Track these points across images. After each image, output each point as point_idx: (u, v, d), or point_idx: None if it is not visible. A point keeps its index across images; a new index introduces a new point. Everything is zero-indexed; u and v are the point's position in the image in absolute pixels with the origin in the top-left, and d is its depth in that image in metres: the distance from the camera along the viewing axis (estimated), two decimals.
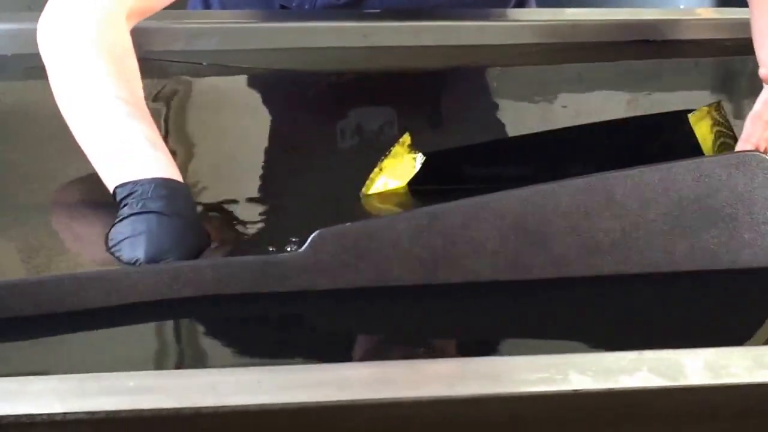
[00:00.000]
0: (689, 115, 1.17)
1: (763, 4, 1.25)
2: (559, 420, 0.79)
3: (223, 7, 1.67)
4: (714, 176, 0.95)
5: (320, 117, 1.39)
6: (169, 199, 1.02)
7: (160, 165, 1.05)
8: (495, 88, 1.50)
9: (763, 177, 0.96)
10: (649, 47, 1.53)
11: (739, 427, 0.80)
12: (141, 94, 1.14)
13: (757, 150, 1.11)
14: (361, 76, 1.49)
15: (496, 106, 1.44)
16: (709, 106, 1.17)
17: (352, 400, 0.78)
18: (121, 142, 1.07)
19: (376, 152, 1.15)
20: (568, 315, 0.96)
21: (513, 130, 1.33)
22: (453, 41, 1.54)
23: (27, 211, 1.11)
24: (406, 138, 1.13)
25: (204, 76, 1.47)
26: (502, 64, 1.52)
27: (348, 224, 0.95)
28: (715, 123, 1.18)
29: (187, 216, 1.03)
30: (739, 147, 1.15)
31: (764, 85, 1.19)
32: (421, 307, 0.95)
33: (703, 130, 1.18)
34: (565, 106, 1.43)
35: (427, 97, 1.45)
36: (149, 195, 1.01)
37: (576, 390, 0.77)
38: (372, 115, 1.35)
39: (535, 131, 1.22)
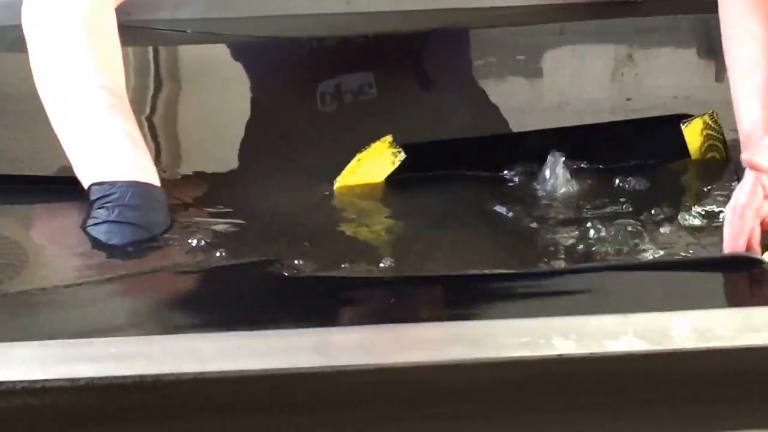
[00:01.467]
0: (683, 127, 1.17)
1: (746, 63, 1.13)
2: (543, 385, 0.78)
3: None
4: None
5: (302, 82, 1.37)
6: (144, 209, 1.03)
7: (139, 166, 1.05)
8: (475, 50, 1.48)
9: None
10: (631, 7, 1.49)
11: (727, 391, 0.79)
12: (123, 84, 1.11)
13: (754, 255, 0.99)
14: (343, 40, 1.47)
15: (476, 68, 1.43)
16: (703, 115, 1.17)
17: (333, 366, 0.77)
18: (100, 137, 1.06)
19: (357, 116, 1.14)
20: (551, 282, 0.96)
21: (494, 92, 1.33)
22: (432, 5, 1.52)
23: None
24: (388, 137, 1.13)
25: (189, 43, 1.46)
26: (482, 26, 1.50)
27: None
28: (706, 127, 1.17)
29: (161, 223, 1.03)
30: (730, 244, 0.98)
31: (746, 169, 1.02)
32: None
33: (693, 133, 1.18)
34: (544, 67, 1.42)
35: (407, 60, 1.44)
36: (126, 201, 1.02)
37: (560, 355, 0.77)
38: (354, 80, 1.34)
39: (522, 112, 1.22)
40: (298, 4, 1.49)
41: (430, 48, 1.47)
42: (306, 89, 1.33)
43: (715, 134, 1.18)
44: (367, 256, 0.99)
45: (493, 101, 1.32)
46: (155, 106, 1.31)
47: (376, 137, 1.13)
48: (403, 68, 1.40)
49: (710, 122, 1.17)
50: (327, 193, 1.10)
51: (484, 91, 1.36)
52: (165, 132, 1.19)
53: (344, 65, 1.37)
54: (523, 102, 1.34)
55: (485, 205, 1.08)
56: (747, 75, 1.12)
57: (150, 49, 1.43)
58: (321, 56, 1.43)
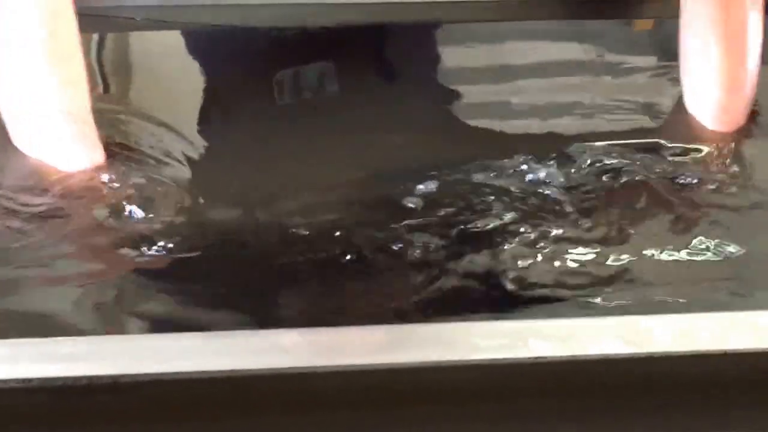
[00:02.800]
0: None
1: None
2: (519, 389, 0.76)
3: None
4: None
5: (258, 73, 1.34)
6: None
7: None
8: (439, 43, 1.45)
9: None
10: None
11: (709, 396, 0.77)
12: (87, 102, 1.10)
13: None
14: (301, 31, 1.44)
15: (439, 60, 1.40)
16: None
17: (299, 367, 0.75)
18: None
19: (315, 109, 1.12)
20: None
21: (458, 84, 1.30)
22: None
23: None
24: None
25: (141, 30, 1.42)
26: (447, 20, 1.47)
27: None
28: None
29: None
30: None
31: None
32: (375, 273, 0.91)
33: None
34: (510, 63, 1.39)
35: (369, 51, 1.41)
36: None
37: (537, 358, 0.74)
38: (313, 71, 1.31)
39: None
40: None
41: (394, 41, 1.44)
42: (263, 80, 1.30)
43: None
44: None
45: (459, 96, 1.30)
46: (103, 96, 1.27)
47: (336, 130, 1.10)
48: (366, 61, 1.37)
49: None
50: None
51: (449, 87, 1.33)
52: (113, 124, 1.15)
53: (304, 56, 1.33)
54: (490, 98, 1.32)
55: None
56: None
57: (98, 36, 1.39)
58: (280, 47, 1.40)
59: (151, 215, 0.99)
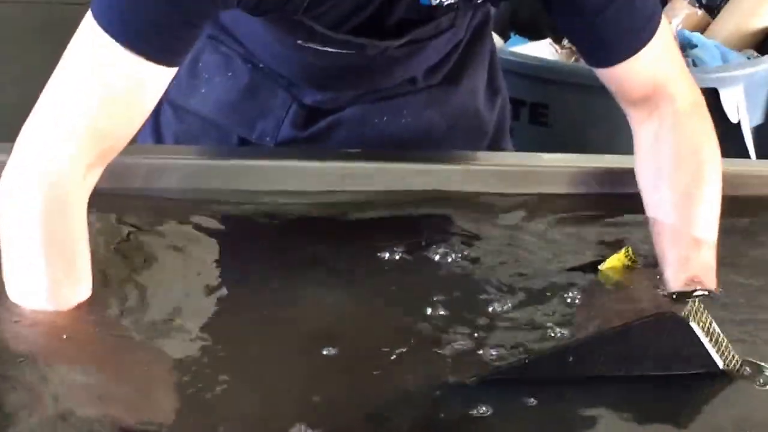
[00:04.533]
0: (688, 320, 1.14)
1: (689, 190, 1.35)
2: None
3: (177, 140, 1.63)
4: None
5: (281, 256, 1.34)
6: None
7: None
8: (462, 233, 1.44)
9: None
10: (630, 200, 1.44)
11: None
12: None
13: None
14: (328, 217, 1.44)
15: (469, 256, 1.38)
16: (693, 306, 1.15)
17: None
18: None
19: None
20: None
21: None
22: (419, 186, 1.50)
23: None
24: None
25: (169, 215, 1.41)
26: (474, 213, 1.47)
27: None
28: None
29: None
30: None
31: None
32: None
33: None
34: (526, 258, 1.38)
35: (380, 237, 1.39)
36: None
37: None
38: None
39: None
40: (279, 179, 1.47)
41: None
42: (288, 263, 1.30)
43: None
44: None
45: None
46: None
47: None
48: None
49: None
50: None
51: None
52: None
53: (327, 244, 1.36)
54: None
55: None
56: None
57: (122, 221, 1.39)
58: (301, 232, 1.40)
59: None
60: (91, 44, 1.19)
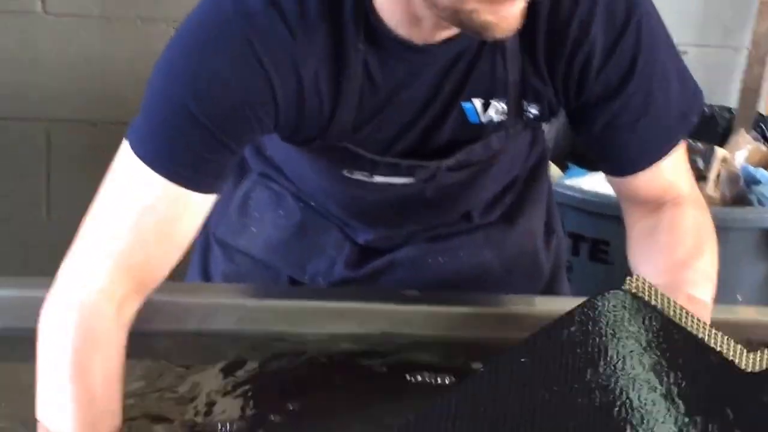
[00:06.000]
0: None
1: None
2: None
3: (226, 279, 1.60)
4: None
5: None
6: None
7: None
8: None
9: None
10: None
11: None
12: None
13: None
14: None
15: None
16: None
17: None
18: None
19: None
20: None
21: None
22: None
23: None
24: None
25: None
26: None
27: None
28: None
29: None
30: None
31: None
32: None
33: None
34: None
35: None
36: None
37: None
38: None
39: None
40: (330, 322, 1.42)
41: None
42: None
43: None
44: None
45: None
46: None
47: None
48: None
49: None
50: None
51: None
52: None
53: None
54: None
55: None
56: None
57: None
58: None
59: None
60: (127, 172, 1.19)
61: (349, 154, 1.32)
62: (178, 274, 1.28)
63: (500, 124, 1.33)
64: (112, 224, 1.18)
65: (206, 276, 1.62)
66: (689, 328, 1.09)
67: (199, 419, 1.25)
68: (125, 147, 1.19)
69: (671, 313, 1.10)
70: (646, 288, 1.12)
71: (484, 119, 1.31)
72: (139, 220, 1.18)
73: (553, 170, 2.68)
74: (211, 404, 1.27)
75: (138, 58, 2.59)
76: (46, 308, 1.18)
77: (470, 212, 1.56)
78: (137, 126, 1.19)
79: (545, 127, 1.62)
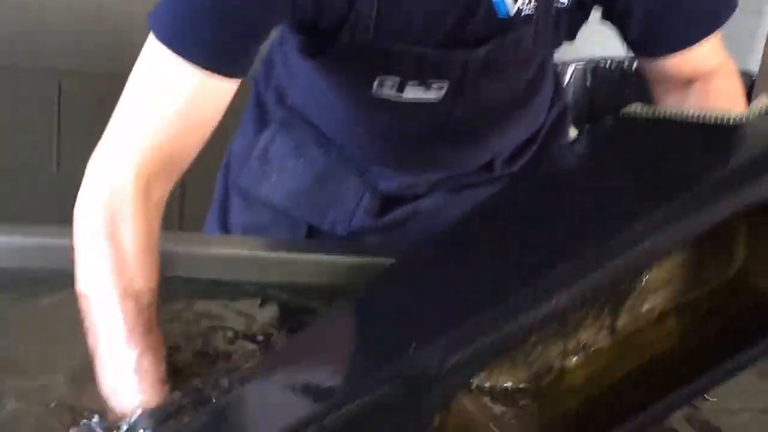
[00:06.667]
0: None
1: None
2: None
3: (245, 231, 1.60)
4: None
5: None
6: None
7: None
8: None
9: None
10: None
11: None
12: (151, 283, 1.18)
13: None
14: None
15: None
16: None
17: None
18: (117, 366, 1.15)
19: None
20: None
21: None
22: None
23: None
24: None
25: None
26: None
27: None
28: None
29: None
30: None
31: None
32: None
33: None
34: None
35: None
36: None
37: None
38: None
39: None
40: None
41: None
42: None
43: None
44: None
45: None
46: None
47: None
48: None
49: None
50: None
51: None
52: None
53: None
54: None
55: None
56: None
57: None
58: None
59: None
60: (149, 57, 1.21)
61: (375, 54, 1.31)
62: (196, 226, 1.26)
63: (529, 18, 1.32)
64: (137, 107, 1.20)
65: (225, 229, 1.61)
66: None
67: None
68: (150, 39, 1.21)
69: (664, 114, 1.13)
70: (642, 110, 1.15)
71: (512, 11, 1.31)
72: (161, 101, 1.19)
73: (572, 132, 2.67)
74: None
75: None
76: (80, 193, 1.20)
77: (493, 161, 1.55)
78: (159, 9, 1.21)
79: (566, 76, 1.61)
